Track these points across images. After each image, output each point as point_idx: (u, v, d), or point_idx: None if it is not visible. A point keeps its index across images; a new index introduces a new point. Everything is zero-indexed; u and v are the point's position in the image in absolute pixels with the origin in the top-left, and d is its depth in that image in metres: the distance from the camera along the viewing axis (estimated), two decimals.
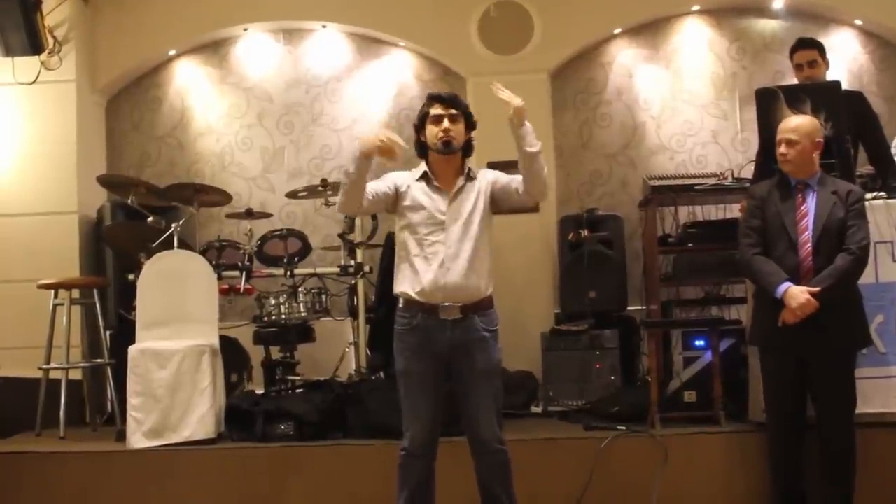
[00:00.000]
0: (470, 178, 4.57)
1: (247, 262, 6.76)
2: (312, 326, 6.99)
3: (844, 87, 6.01)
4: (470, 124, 4.60)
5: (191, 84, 8.18)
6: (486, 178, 4.60)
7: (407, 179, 4.58)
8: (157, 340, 6.07)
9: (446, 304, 4.42)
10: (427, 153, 4.59)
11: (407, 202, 4.53)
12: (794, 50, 6.23)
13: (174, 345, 6.03)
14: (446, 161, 4.54)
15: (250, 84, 8.17)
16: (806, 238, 4.85)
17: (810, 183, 4.95)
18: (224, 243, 6.90)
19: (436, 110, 4.52)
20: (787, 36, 7.77)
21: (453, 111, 4.52)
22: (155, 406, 5.93)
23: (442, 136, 4.47)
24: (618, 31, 7.95)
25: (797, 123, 4.95)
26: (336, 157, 8.05)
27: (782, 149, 4.94)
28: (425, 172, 4.56)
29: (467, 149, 4.61)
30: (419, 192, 4.54)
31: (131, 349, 6.04)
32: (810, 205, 4.91)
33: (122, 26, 7.86)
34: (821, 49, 6.16)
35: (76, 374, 6.83)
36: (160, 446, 5.89)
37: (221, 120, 8.16)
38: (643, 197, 7.06)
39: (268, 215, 7.44)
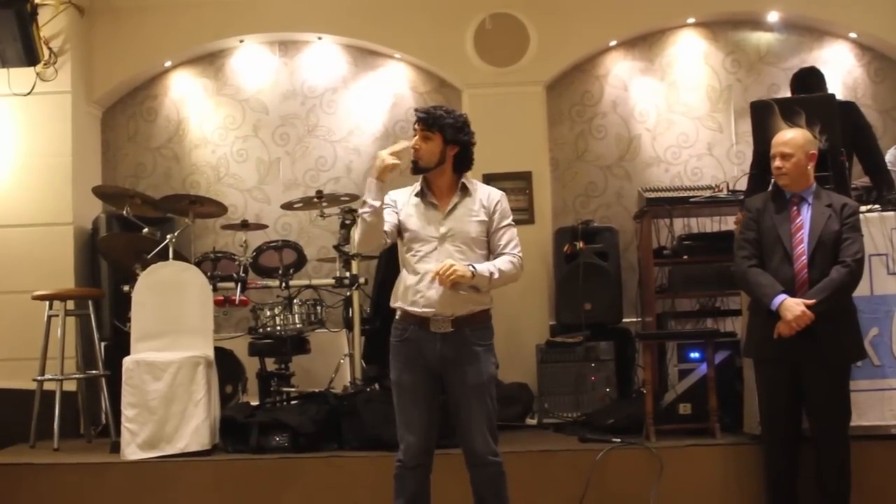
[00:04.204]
0: (466, 192, 4.53)
1: (242, 274, 6.77)
2: (307, 338, 6.98)
3: (838, 98, 6.01)
4: (453, 140, 4.44)
5: (186, 95, 8.18)
6: (492, 201, 4.52)
7: (405, 195, 4.56)
8: (152, 352, 6.07)
9: (437, 317, 4.41)
10: None
11: (403, 218, 4.52)
12: (795, 91, 6.22)
13: (169, 356, 6.02)
14: (437, 176, 4.51)
15: (246, 95, 8.17)
16: (801, 250, 4.87)
17: (805, 196, 4.97)
18: (219, 255, 6.91)
19: (414, 125, 4.51)
20: (782, 49, 7.83)
21: (424, 130, 4.44)
22: (149, 418, 5.92)
23: (412, 156, 4.45)
24: (613, 43, 7.97)
25: (790, 136, 4.98)
26: (331, 169, 8.06)
27: (777, 162, 4.96)
28: (422, 188, 4.54)
29: (461, 162, 4.53)
30: (414, 208, 4.52)
31: (126, 360, 6.03)
32: (805, 217, 4.92)
33: (117, 38, 7.87)
34: (822, 89, 6.15)
35: (71, 386, 6.80)
36: (155, 458, 5.87)
37: (217, 131, 8.16)
38: (638, 209, 7.07)
39: (263, 227, 7.44)
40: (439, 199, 4.52)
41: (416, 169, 4.46)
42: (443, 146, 4.46)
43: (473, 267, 4.34)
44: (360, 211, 4.42)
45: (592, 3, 7.79)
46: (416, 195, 4.54)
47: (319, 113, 8.14)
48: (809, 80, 6.24)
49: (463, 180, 4.55)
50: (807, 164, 4.94)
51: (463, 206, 4.50)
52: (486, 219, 4.50)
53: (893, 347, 5.34)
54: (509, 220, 4.55)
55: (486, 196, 4.56)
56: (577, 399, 6.69)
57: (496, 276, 4.39)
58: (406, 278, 4.49)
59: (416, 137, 4.45)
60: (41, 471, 5.92)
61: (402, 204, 4.54)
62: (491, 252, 4.52)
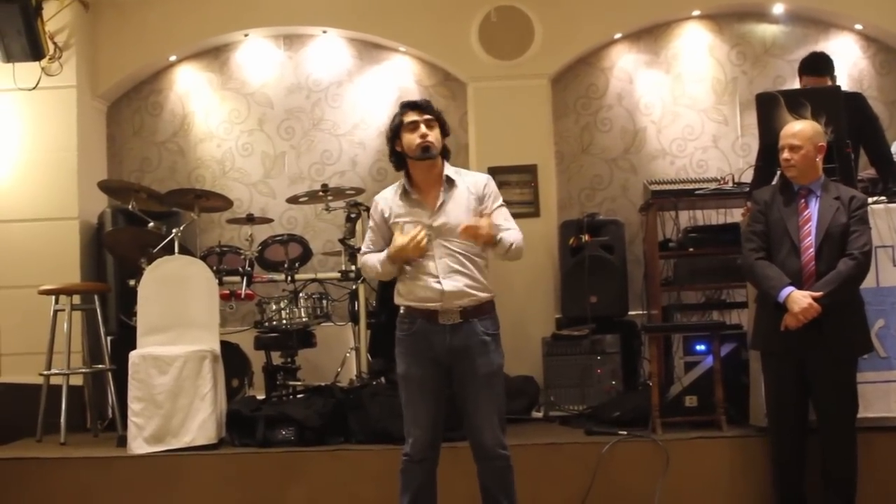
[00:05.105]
0: (452, 183, 4.53)
1: (248, 268, 6.78)
2: (313, 332, 6.98)
3: (844, 89, 6.00)
4: (444, 130, 4.56)
5: (191, 89, 8.18)
6: (480, 185, 4.55)
7: (390, 199, 4.56)
8: (158, 346, 6.07)
9: (445, 309, 4.41)
10: (406, 164, 4.56)
11: (394, 221, 4.51)
12: (803, 73, 6.19)
13: (175, 350, 6.02)
14: (427, 169, 4.51)
15: (251, 89, 8.17)
16: (809, 243, 4.86)
17: (813, 188, 4.96)
18: (225, 248, 6.91)
19: (410, 117, 4.49)
20: (788, 41, 7.81)
21: (428, 117, 4.49)
22: (156, 412, 5.93)
23: (420, 143, 4.44)
24: (618, 36, 7.95)
25: (799, 128, 4.96)
26: (337, 163, 8.06)
27: (786, 154, 4.95)
28: (405, 187, 4.53)
29: (445, 153, 4.59)
30: (401, 209, 4.51)
31: (132, 355, 6.03)
32: (813, 210, 4.91)
33: (122, 32, 7.87)
34: (831, 72, 6.12)
35: (77, 380, 6.82)
36: (161, 452, 5.88)
37: (222, 125, 8.16)
38: (644, 202, 7.06)
39: (268, 220, 7.45)
40: (426, 193, 4.52)
41: (428, 154, 4.45)
42: (440, 135, 4.53)
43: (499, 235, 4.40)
44: (379, 264, 4.49)
45: None
46: (402, 194, 4.54)
47: (324, 107, 8.13)
48: (818, 64, 6.20)
49: (447, 172, 4.55)
50: (815, 157, 4.93)
51: (451, 196, 4.50)
52: (476, 205, 4.51)
53: None
54: (501, 200, 4.59)
55: (472, 182, 4.57)
56: (582, 392, 6.69)
57: (514, 246, 4.44)
58: (407, 273, 4.49)
59: (422, 125, 4.46)
60: (48, 465, 5.93)
61: (388, 210, 4.54)
62: None
